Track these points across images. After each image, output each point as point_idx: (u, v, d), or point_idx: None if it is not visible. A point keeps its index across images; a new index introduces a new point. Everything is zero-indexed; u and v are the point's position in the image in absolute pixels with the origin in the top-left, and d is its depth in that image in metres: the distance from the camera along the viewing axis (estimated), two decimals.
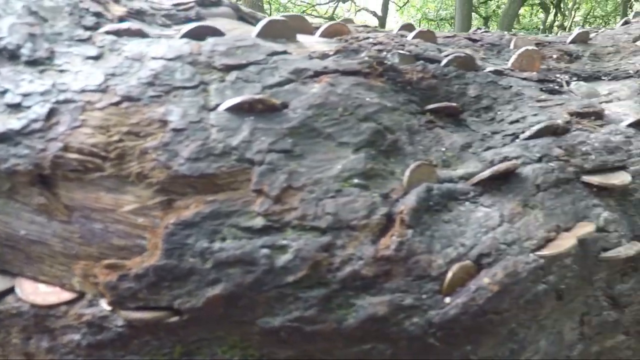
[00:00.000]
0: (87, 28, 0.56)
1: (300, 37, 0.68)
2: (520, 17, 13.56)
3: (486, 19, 13.82)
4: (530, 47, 0.83)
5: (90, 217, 0.45)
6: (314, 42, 0.67)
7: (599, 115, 0.74)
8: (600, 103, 0.81)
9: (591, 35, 1.03)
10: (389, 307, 0.45)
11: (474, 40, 0.89)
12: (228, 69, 0.50)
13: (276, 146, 0.46)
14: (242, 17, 0.71)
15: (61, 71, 0.50)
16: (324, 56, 0.60)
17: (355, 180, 0.49)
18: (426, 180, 0.57)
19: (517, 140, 0.67)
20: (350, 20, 0.88)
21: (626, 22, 1.20)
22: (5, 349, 0.48)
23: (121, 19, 0.56)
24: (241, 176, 0.43)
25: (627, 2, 8.88)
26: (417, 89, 0.67)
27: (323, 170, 0.48)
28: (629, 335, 0.72)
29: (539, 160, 0.64)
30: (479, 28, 0.99)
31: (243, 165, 0.44)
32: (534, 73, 0.83)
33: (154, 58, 0.48)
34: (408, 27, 0.83)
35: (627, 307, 0.69)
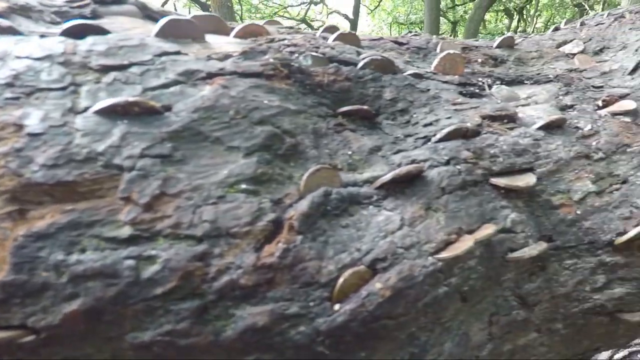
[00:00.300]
0: None
1: (210, 38, 0.66)
2: (486, 23, 13.98)
3: (454, 24, 14.18)
4: (452, 51, 0.84)
5: None
6: (223, 43, 0.65)
7: (511, 119, 0.76)
8: (517, 106, 0.83)
9: (517, 41, 1.06)
10: (270, 316, 0.44)
11: (400, 44, 0.90)
12: (105, 69, 0.47)
13: (151, 151, 0.44)
14: (150, 16, 0.68)
15: None
16: (225, 57, 0.58)
17: (243, 186, 0.48)
18: (328, 184, 0.56)
19: (428, 143, 0.68)
20: (275, 22, 0.87)
21: (557, 29, 1.24)
22: None
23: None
24: (108, 183, 0.41)
25: (582, 10, 9.30)
26: (329, 91, 0.66)
27: (206, 176, 0.46)
28: (541, 333, 0.74)
29: (447, 163, 0.64)
30: (409, 31, 1.00)
31: (111, 171, 0.41)
32: (456, 76, 0.84)
33: (18, 57, 0.45)
34: (331, 29, 0.83)
35: (536, 305, 0.70)
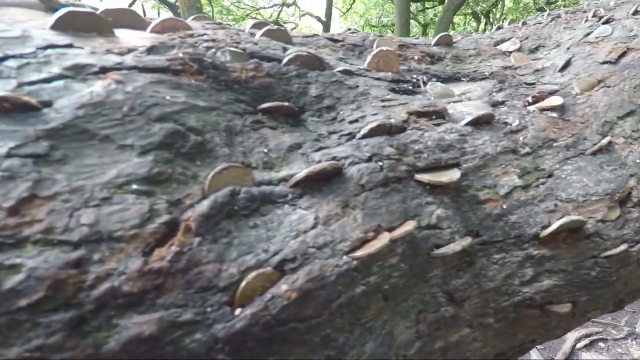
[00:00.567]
0: None
1: (121, 32, 0.63)
2: (455, 25, 14.31)
3: (425, 26, 14.45)
4: (385, 48, 0.84)
5: None
6: (135, 38, 0.62)
7: (440, 115, 0.75)
8: (450, 103, 0.83)
9: (456, 39, 1.06)
10: (159, 324, 0.41)
11: (335, 41, 0.89)
12: None
13: (21, 150, 0.40)
14: (56, 9, 0.64)
15: None
16: (128, 51, 0.55)
17: (134, 187, 0.45)
18: (238, 183, 0.54)
19: (353, 140, 0.66)
20: (206, 18, 0.84)
21: (499, 28, 1.26)
22: None
23: None
24: None
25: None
26: (248, 88, 0.64)
27: (90, 177, 0.43)
28: (473, 328, 0.74)
29: (369, 159, 0.63)
30: (349, 29, 0.99)
31: None
32: (390, 73, 0.84)
33: None
34: (259, 25, 0.81)
35: (465, 301, 0.70)
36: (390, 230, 0.60)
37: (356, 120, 0.69)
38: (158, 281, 0.42)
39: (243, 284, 0.47)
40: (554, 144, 0.79)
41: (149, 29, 0.67)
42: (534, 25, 1.16)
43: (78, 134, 0.44)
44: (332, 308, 0.53)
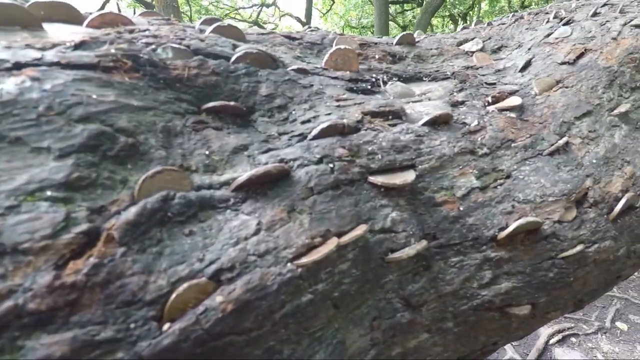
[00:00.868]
0: None
1: (52, 26, 0.59)
2: (433, 27, 14.51)
3: (404, 28, 14.60)
4: (343, 47, 0.81)
5: None
6: (66, 32, 0.58)
7: (397, 115, 0.74)
8: (409, 103, 0.81)
9: (419, 38, 1.05)
10: (72, 344, 0.38)
11: (293, 39, 0.86)
12: None
13: None
14: None
15: None
16: (52, 47, 0.51)
17: (48, 193, 0.41)
18: (174, 188, 0.50)
19: (304, 141, 0.64)
20: (154, 13, 0.80)
21: (465, 28, 1.25)
22: None
23: None
24: None
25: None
26: (191, 86, 0.61)
27: None
28: (432, 333, 0.72)
29: (319, 161, 0.61)
30: (308, 27, 0.96)
31: None
32: (348, 72, 0.82)
33: None
34: (210, 22, 0.77)
35: (423, 306, 0.68)
36: (340, 235, 0.57)
37: (308, 121, 0.67)
38: (72, 297, 0.39)
39: (173, 296, 0.44)
40: (513, 145, 0.78)
41: (86, 23, 0.62)
42: (498, 25, 1.16)
43: None
44: (275, 319, 0.50)
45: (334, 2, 15.33)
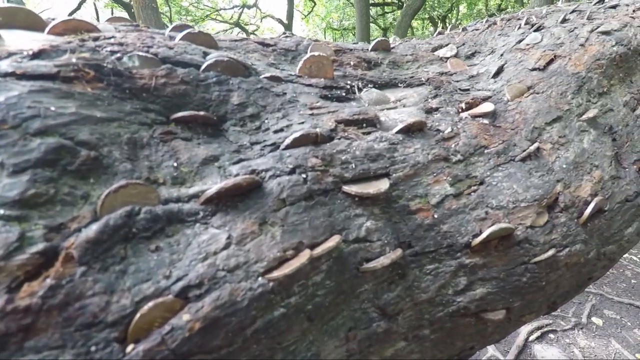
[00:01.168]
0: None
1: (10, 34, 0.56)
2: (414, 30, 14.70)
3: (385, 30, 14.74)
4: (318, 53, 0.81)
5: None
6: (26, 40, 0.55)
7: (371, 122, 0.73)
8: (383, 110, 0.81)
9: (394, 44, 1.06)
10: None
11: (266, 45, 0.85)
12: None
13: None
14: None
15: None
16: (8, 56, 0.49)
17: (0, 212, 0.39)
18: (140, 202, 0.49)
19: (276, 151, 0.63)
20: (123, 19, 0.78)
21: (440, 33, 1.27)
22: None
23: None
24: None
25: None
26: (159, 96, 0.59)
27: None
28: (409, 341, 0.72)
29: (292, 171, 0.60)
30: (284, 33, 0.96)
31: None
32: (322, 79, 0.81)
33: None
34: (180, 28, 0.76)
35: (399, 314, 0.68)
36: (313, 246, 0.56)
37: (281, 130, 0.66)
38: (26, 321, 0.37)
39: (137, 316, 0.42)
40: (486, 151, 0.79)
41: (47, 30, 0.60)
42: (472, 31, 1.18)
43: None
44: (246, 335, 0.49)
45: (315, 4, 15.36)
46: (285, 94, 0.72)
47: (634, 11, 1.20)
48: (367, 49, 0.99)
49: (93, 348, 0.39)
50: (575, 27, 1.06)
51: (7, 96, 0.44)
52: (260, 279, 0.50)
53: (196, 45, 0.71)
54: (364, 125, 0.72)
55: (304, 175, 0.60)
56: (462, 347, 0.84)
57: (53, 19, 0.63)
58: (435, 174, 0.73)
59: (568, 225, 0.77)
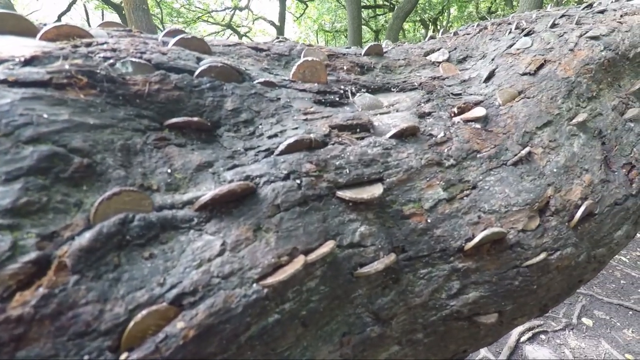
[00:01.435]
0: None
1: (1, 40, 0.56)
2: (405, 32, 14.79)
3: (376, 32, 14.82)
4: (311, 58, 0.81)
5: None
6: (18, 46, 0.55)
7: (365, 127, 0.74)
8: (376, 114, 0.82)
9: (387, 49, 1.06)
10: None
11: (260, 50, 0.85)
12: None
13: None
14: None
15: None
16: (0, 63, 0.48)
17: None
18: (133, 209, 0.48)
19: (270, 156, 0.63)
20: (115, 24, 0.77)
21: (432, 37, 1.28)
22: None
23: None
24: None
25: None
26: (153, 102, 0.59)
27: None
28: (402, 345, 0.73)
29: (286, 177, 0.60)
30: (277, 37, 0.96)
31: None
32: (316, 84, 0.81)
33: None
34: (174, 33, 0.75)
35: (392, 319, 0.68)
36: (307, 252, 0.57)
37: (275, 135, 0.66)
38: (18, 331, 0.36)
39: (131, 324, 0.42)
40: (478, 155, 0.79)
41: (39, 35, 0.60)
42: (463, 35, 1.19)
43: None
44: (240, 342, 0.49)
45: (307, 7, 15.40)
46: (279, 99, 0.72)
47: (621, 16, 1.22)
48: (360, 54, 0.99)
49: (86, 357, 0.39)
50: (564, 32, 1.08)
51: None
52: (254, 285, 0.50)
53: (190, 50, 0.71)
54: (358, 130, 0.73)
55: (298, 181, 0.60)
56: (455, 351, 0.84)
57: (45, 25, 0.62)
58: (428, 179, 0.73)
59: (559, 229, 0.78)
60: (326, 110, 0.75)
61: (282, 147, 0.63)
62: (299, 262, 0.53)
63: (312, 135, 0.65)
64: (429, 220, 0.71)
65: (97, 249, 0.43)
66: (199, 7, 14.98)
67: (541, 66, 0.96)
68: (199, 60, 0.69)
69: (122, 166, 0.51)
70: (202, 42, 0.75)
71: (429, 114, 0.85)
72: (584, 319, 3.27)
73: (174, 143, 0.58)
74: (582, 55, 1.00)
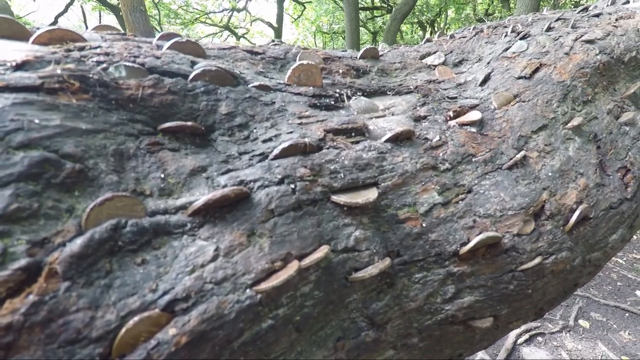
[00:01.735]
0: None
1: None
2: (403, 34, 14.83)
3: (374, 34, 14.85)
4: (306, 62, 0.81)
5: None
6: (9, 50, 0.55)
7: (360, 131, 0.74)
8: (372, 118, 0.82)
9: (383, 52, 1.06)
10: None
11: (255, 53, 0.85)
12: None
13: None
14: None
15: None
16: None
17: None
18: (126, 214, 0.48)
19: (265, 161, 0.63)
20: (109, 27, 0.77)
21: (428, 40, 1.28)
22: None
23: None
24: None
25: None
26: (146, 106, 0.59)
27: None
28: (397, 350, 0.72)
29: (280, 182, 0.60)
30: (272, 40, 0.96)
31: None
32: (311, 88, 0.81)
33: None
34: (168, 37, 0.75)
35: (387, 323, 0.68)
36: (301, 257, 0.56)
37: (270, 139, 0.66)
38: (8, 339, 0.36)
39: (122, 331, 0.41)
40: (473, 159, 0.79)
41: (32, 40, 0.59)
42: (459, 38, 1.19)
43: None
44: (233, 348, 0.49)
45: (305, 8, 15.41)
46: (273, 103, 0.72)
47: (616, 20, 1.22)
48: (356, 57, 0.99)
49: None
50: (560, 36, 1.08)
51: None
52: (248, 291, 0.50)
53: (184, 54, 0.71)
54: (353, 134, 0.73)
55: (292, 186, 0.60)
56: (451, 355, 0.84)
57: (37, 28, 0.62)
58: (423, 183, 0.73)
59: (554, 233, 0.78)
60: (321, 114, 0.74)
61: (276, 151, 0.63)
62: (293, 267, 0.53)
63: (306, 140, 0.64)
64: (424, 225, 0.71)
65: (89, 255, 0.43)
66: (196, 9, 14.97)
67: (537, 70, 0.96)
68: (193, 64, 0.69)
69: (115, 171, 0.51)
70: (196, 46, 0.74)
71: (425, 117, 0.85)
72: (580, 321, 3.27)
73: (168, 148, 0.58)
74: (577, 59, 1.01)
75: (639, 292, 3.68)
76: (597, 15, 1.25)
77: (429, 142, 0.78)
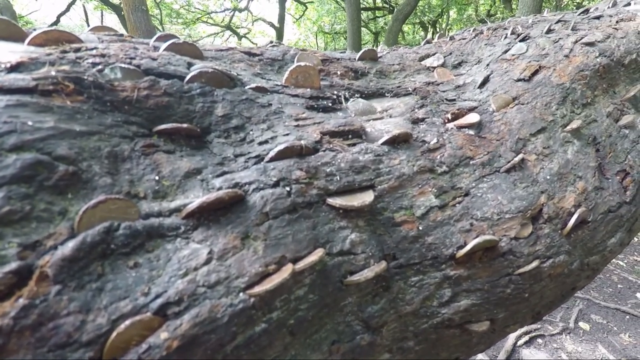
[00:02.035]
0: None
1: None
2: (405, 34, 14.82)
3: (376, 34, 14.85)
4: (304, 63, 0.81)
5: None
6: (4, 52, 0.55)
7: (357, 134, 0.73)
8: (370, 120, 0.81)
9: (382, 53, 1.06)
10: None
11: (253, 55, 0.85)
12: None
13: None
14: None
15: None
16: None
17: None
18: (119, 217, 0.48)
19: (260, 163, 0.62)
20: (107, 28, 0.77)
21: (427, 42, 1.27)
22: None
23: None
24: None
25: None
26: (141, 108, 0.59)
27: None
28: (393, 353, 0.72)
29: (275, 184, 0.60)
30: (270, 42, 0.95)
31: None
32: (309, 90, 0.81)
33: None
34: (165, 38, 0.75)
35: (383, 327, 0.68)
36: (296, 260, 0.56)
37: (266, 142, 0.66)
38: None
39: (113, 335, 0.41)
40: (471, 162, 0.79)
41: (27, 41, 0.59)
42: (459, 40, 1.19)
43: None
44: (225, 352, 0.48)
45: (306, 8, 15.42)
46: (270, 105, 0.72)
47: (617, 22, 1.22)
48: (355, 58, 0.99)
49: None
50: (560, 38, 1.08)
51: None
52: (241, 294, 0.50)
53: (180, 55, 0.71)
54: (350, 136, 0.73)
55: (288, 188, 0.60)
56: (447, 358, 0.84)
57: (34, 29, 0.62)
58: (420, 186, 0.73)
59: (552, 237, 0.78)
60: (318, 116, 0.74)
61: (272, 153, 0.63)
62: (287, 270, 0.52)
63: (302, 142, 0.64)
64: (420, 228, 0.70)
65: (81, 259, 0.42)
66: (198, 8, 14.99)
67: (536, 72, 0.95)
68: (189, 65, 0.68)
69: (109, 173, 0.51)
70: (193, 47, 0.74)
71: (423, 119, 0.85)
72: (581, 323, 3.26)
73: (163, 150, 0.57)
74: (577, 61, 1.00)
75: (639, 294, 3.67)
76: (598, 18, 1.25)
77: (426, 144, 0.78)
